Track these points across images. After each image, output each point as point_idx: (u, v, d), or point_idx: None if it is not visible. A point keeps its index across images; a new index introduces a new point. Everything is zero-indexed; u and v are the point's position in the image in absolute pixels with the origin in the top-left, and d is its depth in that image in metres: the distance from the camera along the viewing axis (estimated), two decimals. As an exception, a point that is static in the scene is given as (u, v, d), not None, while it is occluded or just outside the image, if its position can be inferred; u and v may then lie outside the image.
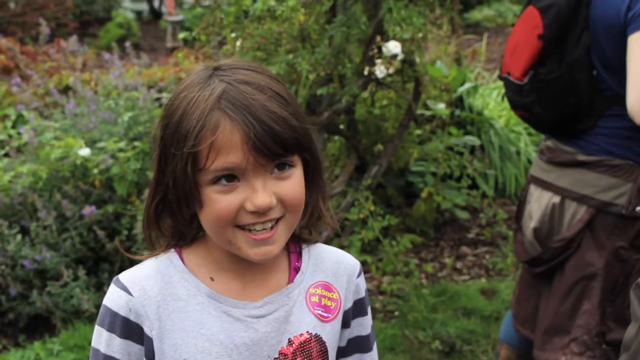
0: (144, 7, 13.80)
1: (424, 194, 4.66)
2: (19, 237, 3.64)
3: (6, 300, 3.66)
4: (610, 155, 2.36)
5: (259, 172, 1.14)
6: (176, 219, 1.23)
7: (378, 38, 3.71)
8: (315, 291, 1.31)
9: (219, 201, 1.15)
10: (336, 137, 4.38)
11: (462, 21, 8.96)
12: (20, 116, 4.86)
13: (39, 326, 3.74)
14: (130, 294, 1.21)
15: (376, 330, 3.63)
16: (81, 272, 3.61)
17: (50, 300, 3.60)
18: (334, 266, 1.35)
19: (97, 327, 1.24)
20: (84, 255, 3.76)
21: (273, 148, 1.13)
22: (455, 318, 3.82)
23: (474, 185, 5.06)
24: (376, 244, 4.34)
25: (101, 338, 1.23)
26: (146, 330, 1.21)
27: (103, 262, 3.80)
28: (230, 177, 1.14)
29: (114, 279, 1.26)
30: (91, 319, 3.60)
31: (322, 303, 1.31)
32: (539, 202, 2.55)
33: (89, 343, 3.59)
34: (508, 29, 10.09)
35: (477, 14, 11.48)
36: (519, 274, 2.88)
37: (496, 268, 4.43)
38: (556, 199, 2.48)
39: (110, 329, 1.22)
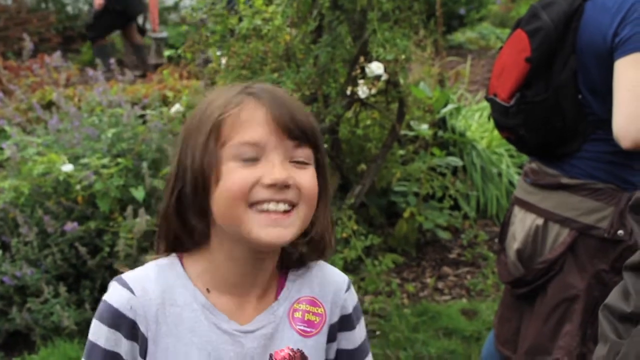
0: (127, 23, 13.77)
1: (406, 214, 4.67)
2: (-1, 252, 3.62)
3: (-15, 316, 3.63)
4: (594, 179, 2.38)
5: (279, 152, 1.19)
6: (192, 210, 1.24)
7: (362, 59, 3.74)
8: (299, 307, 1.33)
9: (237, 172, 1.18)
10: (320, 157, 4.39)
11: (445, 43, 9.04)
12: (2, 131, 4.84)
13: (18, 343, 3.71)
14: (132, 292, 1.23)
15: (358, 350, 3.62)
16: (62, 289, 3.59)
17: (30, 317, 3.57)
18: (321, 281, 1.37)
19: (95, 321, 1.24)
20: (65, 272, 3.73)
21: (293, 128, 1.19)
22: (436, 338, 3.82)
23: (455, 206, 5.08)
24: (358, 264, 4.34)
25: (100, 332, 1.23)
26: (142, 329, 1.22)
27: (84, 279, 3.77)
28: (250, 154, 1.18)
29: (117, 277, 1.27)
30: (71, 336, 3.57)
31: (306, 318, 1.32)
32: (522, 223, 2.57)
33: (69, 360, 3.49)
34: (491, 52, 10.18)
35: (460, 36, 11.56)
36: (502, 294, 2.90)
37: (477, 289, 4.45)
38: (539, 221, 2.50)
39: (110, 325, 1.22)
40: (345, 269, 4.22)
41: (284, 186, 1.18)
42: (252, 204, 1.18)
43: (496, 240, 4.51)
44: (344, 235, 3.90)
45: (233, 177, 1.17)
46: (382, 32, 3.33)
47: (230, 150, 1.18)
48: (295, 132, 1.19)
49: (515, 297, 2.70)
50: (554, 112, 2.36)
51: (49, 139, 4.14)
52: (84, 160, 3.78)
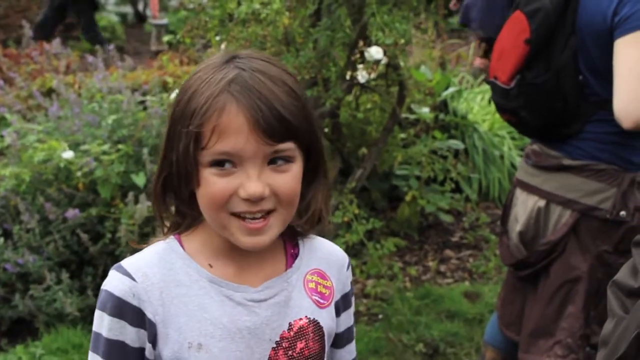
0: (128, 10, 13.75)
1: (408, 198, 4.66)
2: (1, 240, 3.62)
3: (-12, 304, 3.64)
4: (596, 159, 2.37)
5: (257, 161, 1.17)
6: (178, 198, 1.27)
7: (361, 43, 3.72)
8: (312, 278, 1.35)
9: (214, 183, 1.18)
10: (321, 141, 4.37)
11: (446, 26, 8.99)
12: (2, 119, 4.83)
13: (22, 330, 3.71)
14: (133, 279, 1.23)
15: (360, 333, 3.63)
16: (64, 276, 3.59)
17: (33, 304, 3.57)
18: (326, 255, 1.40)
19: (98, 312, 1.25)
20: (67, 259, 3.73)
21: (275, 128, 1.16)
22: (438, 321, 3.83)
23: (457, 189, 5.07)
24: (360, 247, 4.34)
25: (103, 322, 1.24)
26: (149, 315, 1.23)
27: (86, 266, 3.77)
28: (227, 162, 1.17)
29: (116, 265, 1.27)
30: (74, 323, 3.57)
31: (318, 290, 1.35)
32: (524, 205, 2.57)
33: (72, 347, 3.56)
34: (492, 34, 10.11)
35: (461, 19, 11.50)
36: (505, 277, 2.89)
37: (479, 271, 4.45)
38: (541, 203, 2.49)
39: (113, 314, 1.23)
40: (347, 253, 4.21)
41: (259, 199, 1.18)
42: (232, 213, 1.20)
43: (498, 222, 4.51)
44: (346, 219, 3.90)
45: (211, 187, 1.18)
46: (380, 16, 3.30)
47: (208, 157, 1.17)
48: (277, 132, 1.16)
49: (518, 280, 2.70)
50: (554, 94, 2.35)
51: (49, 126, 4.13)
52: (85, 147, 3.77)
